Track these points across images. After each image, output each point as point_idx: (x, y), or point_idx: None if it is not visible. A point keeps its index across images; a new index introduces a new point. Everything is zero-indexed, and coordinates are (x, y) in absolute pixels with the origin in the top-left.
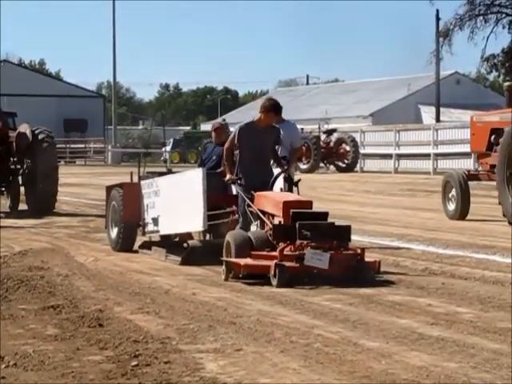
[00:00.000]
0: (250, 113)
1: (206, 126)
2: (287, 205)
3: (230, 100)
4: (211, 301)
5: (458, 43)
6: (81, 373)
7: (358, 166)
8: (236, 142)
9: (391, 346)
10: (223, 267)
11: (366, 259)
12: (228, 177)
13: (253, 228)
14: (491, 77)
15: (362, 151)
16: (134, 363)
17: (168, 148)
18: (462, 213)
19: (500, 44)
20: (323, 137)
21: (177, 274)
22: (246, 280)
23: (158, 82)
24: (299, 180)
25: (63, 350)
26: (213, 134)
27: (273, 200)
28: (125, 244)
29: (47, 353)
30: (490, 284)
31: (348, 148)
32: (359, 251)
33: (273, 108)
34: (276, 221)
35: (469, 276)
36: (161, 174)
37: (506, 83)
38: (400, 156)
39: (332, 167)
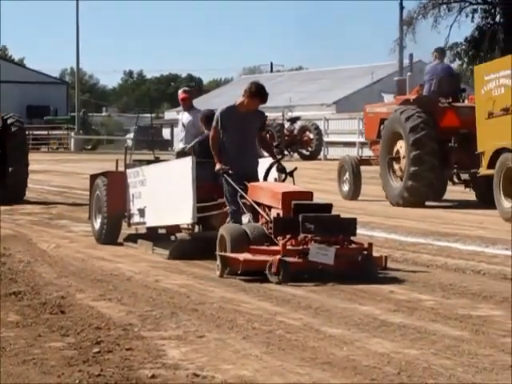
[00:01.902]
0: (214, 100)
1: (170, 114)
2: (286, 196)
3: (194, 87)
4: (174, 288)
5: (421, 32)
6: (42, 359)
7: (322, 153)
8: (219, 128)
9: (353, 332)
10: (218, 263)
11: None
12: (218, 166)
13: (244, 220)
14: (455, 65)
15: (325, 139)
16: (96, 350)
17: (131, 135)
18: (355, 194)
19: (463, 33)
20: (287, 124)
21: (139, 261)
22: (243, 277)
23: (122, 69)
24: (295, 169)
25: (24, 336)
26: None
27: (270, 191)
28: (109, 236)
29: (8, 339)
30: (451, 271)
31: (312, 136)
32: (366, 246)
33: (259, 93)
34: (273, 213)
35: (431, 263)
36: (149, 163)
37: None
38: (363, 144)
39: (296, 155)
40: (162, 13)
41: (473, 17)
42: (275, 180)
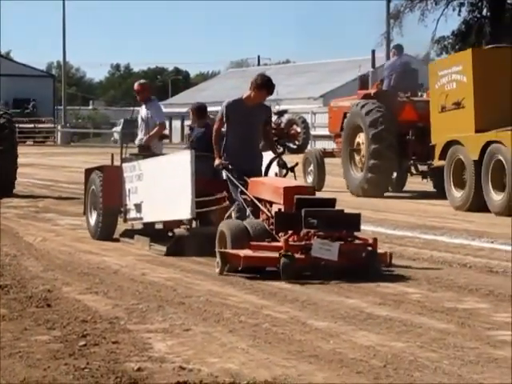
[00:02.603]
0: (201, 94)
1: None
2: (288, 191)
3: (181, 81)
4: (160, 281)
5: (408, 25)
6: (28, 353)
7: (309, 147)
8: (224, 120)
9: (339, 325)
10: (217, 259)
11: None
12: (218, 161)
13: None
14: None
15: (312, 132)
16: (82, 343)
17: (118, 128)
18: (319, 185)
19: (450, 26)
20: (274, 118)
21: (126, 255)
22: (244, 274)
23: (109, 63)
24: (296, 165)
25: (11, 329)
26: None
27: (271, 186)
28: (104, 232)
29: None
30: (438, 264)
31: (299, 129)
32: (371, 241)
33: (265, 85)
34: (275, 208)
35: (417, 257)
36: (145, 157)
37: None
38: None
39: (283, 148)
40: (149, 6)
41: (460, 10)
42: (276, 175)
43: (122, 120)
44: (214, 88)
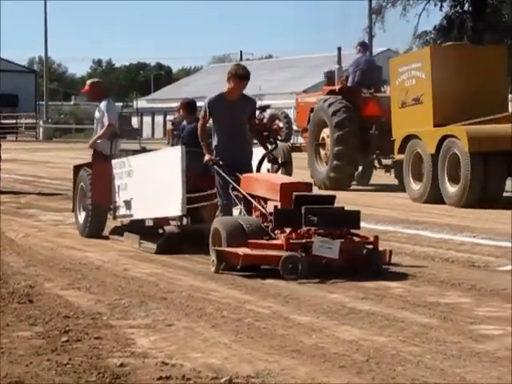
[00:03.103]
0: (184, 89)
1: (139, 103)
2: (286, 187)
3: (164, 76)
4: (143, 276)
5: (390, 20)
6: (10, 349)
7: (291, 142)
8: (207, 118)
9: (322, 320)
10: (213, 258)
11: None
12: (207, 157)
13: (235, 212)
14: None
15: (295, 127)
16: (65, 339)
17: None
18: None
19: (432, 21)
20: (257, 113)
21: (108, 250)
22: (242, 273)
23: (91, 58)
24: (286, 161)
25: None
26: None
27: (267, 182)
28: (94, 229)
29: None
30: (420, 259)
31: (281, 124)
32: (372, 239)
33: (244, 73)
34: (270, 206)
35: (399, 251)
36: (135, 153)
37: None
38: None
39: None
40: (132, 1)
41: (441, 5)
42: (268, 171)
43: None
44: (197, 83)
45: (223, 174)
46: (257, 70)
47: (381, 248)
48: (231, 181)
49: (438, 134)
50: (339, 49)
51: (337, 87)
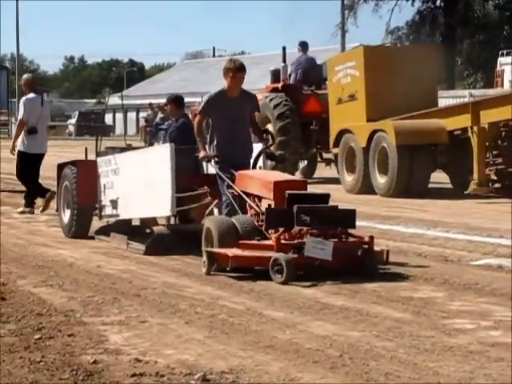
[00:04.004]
0: (157, 85)
1: (111, 99)
2: (279, 185)
3: (136, 72)
4: (116, 273)
5: (363, 16)
6: None
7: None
8: (205, 114)
9: (296, 316)
10: (204, 259)
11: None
12: (202, 154)
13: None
14: None
15: None
16: (37, 336)
17: (73, 121)
18: None
19: (404, 17)
20: None
21: (81, 247)
22: (232, 274)
23: (63, 55)
24: (284, 156)
25: None
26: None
27: (260, 180)
28: (79, 229)
29: None
30: (393, 254)
31: None
32: (367, 239)
33: (237, 66)
34: (264, 204)
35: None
36: (122, 150)
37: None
38: None
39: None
40: None
41: (413, 1)
42: (260, 168)
43: (77, 112)
44: (170, 80)
45: (218, 171)
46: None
47: (377, 248)
48: (226, 178)
49: (369, 128)
50: (284, 48)
51: (279, 85)
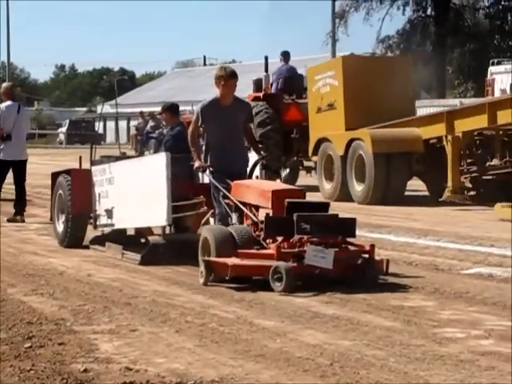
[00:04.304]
0: (148, 94)
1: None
2: (277, 194)
3: (127, 81)
4: (106, 282)
5: (353, 24)
6: None
7: None
8: (199, 124)
9: (286, 324)
10: (201, 269)
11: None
12: (197, 164)
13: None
14: None
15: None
16: (28, 345)
17: (64, 129)
18: None
19: (395, 25)
20: None
21: (72, 256)
22: (231, 284)
23: (54, 63)
24: (280, 167)
25: None
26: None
27: (258, 189)
28: (73, 239)
29: None
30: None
31: None
32: (368, 248)
33: (228, 73)
34: (261, 213)
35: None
36: (117, 159)
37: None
38: None
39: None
40: (95, 6)
41: (404, 9)
42: (257, 178)
43: (68, 121)
44: (160, 88)
45: (213, 181)
46: None
47: (377, 257)
48: (222, 188)
49: (346, 137)
50: (266, 58)
51: (261, 94)
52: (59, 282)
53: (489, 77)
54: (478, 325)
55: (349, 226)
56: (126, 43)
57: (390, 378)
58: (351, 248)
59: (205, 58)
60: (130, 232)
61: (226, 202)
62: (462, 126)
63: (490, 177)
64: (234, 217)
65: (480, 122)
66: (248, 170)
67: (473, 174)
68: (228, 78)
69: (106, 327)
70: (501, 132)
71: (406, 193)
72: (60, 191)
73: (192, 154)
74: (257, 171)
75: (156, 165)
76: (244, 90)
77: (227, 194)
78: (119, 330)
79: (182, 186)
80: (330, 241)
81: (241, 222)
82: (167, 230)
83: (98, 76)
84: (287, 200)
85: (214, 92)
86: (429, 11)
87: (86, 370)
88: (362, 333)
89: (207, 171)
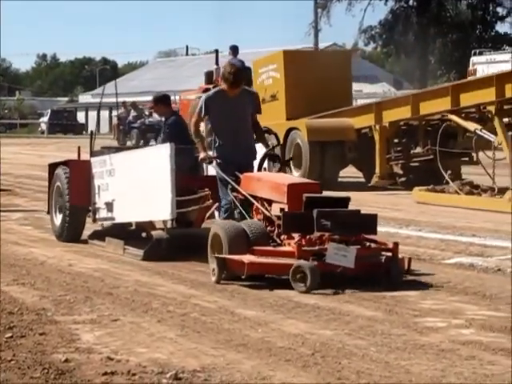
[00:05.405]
0: (130, 83)
1: (84, 98)
2: (294, 188)
3: (109, 70)
4: (88, 272)
5: (336, 15)
6: None
7: None
8: (203, 115)
9: (268, 314)
10: (214, 266)
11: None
12: (203, 155)
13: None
14: (369, 48)
15: None
16: (9, 335)
17: (45, 119)
18: None
19: (377, 16)
20: None
21: (53, 246)
22: (247, 282)
23: (35, 52)
24: (291, 158)
25: None
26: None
27: (271, 183)
28: (72, 233)
29: None
30: None
31: None
32: (391, 246)
33: (236, 82)
34: (275, 208)
35: None
36: (118, 150)
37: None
38: None
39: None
40: None
41: (386, 0)
42: (264, 170)
43: (49, 110)
44: (143, 78)
45: (221, 173)
46: (203, 64)
47: (399, 255)
48: (230, 180)
49: (285, 126)
50: (217, 51)
51: (211, 86)
52: (40, 272)
53: (471, 67)
54: (458, 314)
55: (370, 222)
56: (107, 33)
57: (372, 367)
58: (373, 246)
59: (187, 47)
60: (132, 226)
61: (235, 196)
62: (389, 116)
63: (417, 164)
64: (237, 211)
65: (404, 112)
66: (256, 162)
67: (400, 161)
68: (239, 82)
69: (88, 317)
70: (424, 122)
71: (345, 179)
72: (58, 183)
73: (196, 145)
74: (265, 163)
75: (160, 156)
76: None
77: (236, 186)
78: (101, 320)
79: (185, 178)
80: (351, 238)
81: (243, 217)
82: (169, 225)
83: (79, 66)
84: (306, 195)
85: (197, 82)
86: (411, 1)
87: (67, 360)
88: (344, 322)
89: (214, 163)
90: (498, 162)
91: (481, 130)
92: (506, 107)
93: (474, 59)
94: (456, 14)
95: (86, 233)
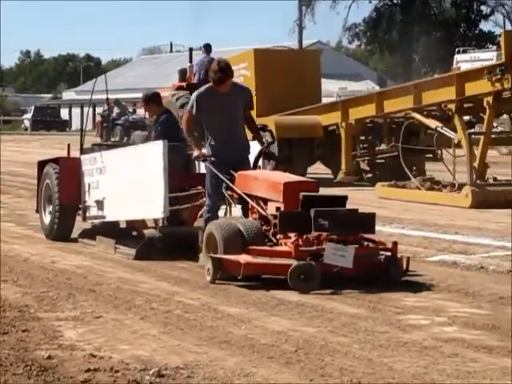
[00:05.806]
0: (114, 80)
1: (67, 94)
2: (290, 187)
3: (93, 67)
4: (71, 268)
5: (320, 12)
6: None
7: None
8: (194, 112)
9: (251, 311)
10: (208, 266)
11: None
12: (197, 153)
13: (220, 213)
14: (353, 46)
15: None
16: None
17: (29, 116)
18: None
19: (362, 13)
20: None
21: (36, 243)
22: (242, 282)
23: (19, 49)
24: (287, 156)
25: None
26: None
27: (267, 181)
28: (61, 231)
29: None
30: None
31: None
32: (389, 245)
33: (222, 81)
34: (270, 207)
35: None
36: (109, 147)
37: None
38: None
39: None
40: None
41: None
42: (259, 168)
43: (33, 107)
44: (127, 75)
45: (215, 171)
46: (187, 61)
47: (397, 255)
48: (225, 179)
49: None
50: (191, 49)
51: (184, 84)
52: (23, 269)
53: (455, 65)
54: (441, 312)
55: (368, 221)
56: (91, 29)
57: (355, 364)
58: (371, 245)
59: (171, 44)
60: (123, 225)
61: (230, 194)
62: (355, 113)
63: (382, 160)
64: (234, 209)
65: (370, 110)
66: (250, 159)
67: (366, 158)
68: (229, 75)
69: (70, 314)
70: (388, 120)
71: (314, 175)
72: (47, 181)
73: (189, 143)
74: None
75: (152, 153)
76: None
77: (231, 185)
78: (83, 317)
79: (178, 176)
80: (349, 238)
81: (244, 215)
82: (160, 223)
83: (63, 62)
84: (302, 194)
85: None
86: None
87: (49, 357)
88: (327, 320)
89: (207, 161)
90: (459, 158)
91: (442, 128)
92: (465, 106)
93: (457, 57)
94: (440, 12)
95: (75, 231)
